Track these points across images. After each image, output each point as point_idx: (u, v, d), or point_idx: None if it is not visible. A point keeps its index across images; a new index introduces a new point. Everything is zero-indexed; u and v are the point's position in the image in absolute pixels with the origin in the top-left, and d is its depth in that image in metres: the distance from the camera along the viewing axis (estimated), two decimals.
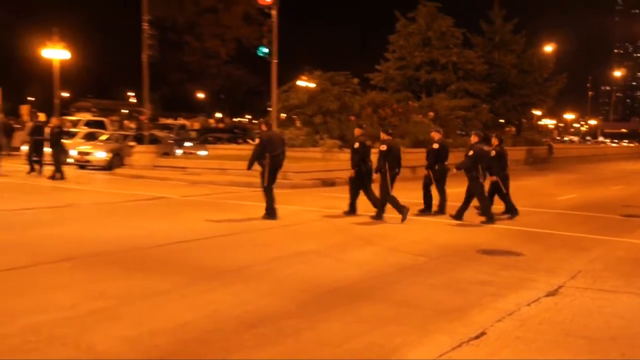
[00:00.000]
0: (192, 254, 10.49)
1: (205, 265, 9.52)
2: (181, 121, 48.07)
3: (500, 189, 16.20)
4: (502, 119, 49.73)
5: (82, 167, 28.24)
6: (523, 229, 14.34)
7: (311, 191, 18.44)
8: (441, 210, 16.39)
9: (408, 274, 9.47)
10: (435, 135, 16.96)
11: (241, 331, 6.52)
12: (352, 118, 30.21)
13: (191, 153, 32.76)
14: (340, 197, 16.34)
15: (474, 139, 15.69)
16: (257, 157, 14.91)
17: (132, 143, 30.13)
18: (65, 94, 71.50)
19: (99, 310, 7.04)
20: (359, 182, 15.64)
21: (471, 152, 15.34)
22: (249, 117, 73.92)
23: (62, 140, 23.79)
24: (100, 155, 28.81)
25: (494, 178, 16.07)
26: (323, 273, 9.35)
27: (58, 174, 22.36)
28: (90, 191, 19.30)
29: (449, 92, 42.32)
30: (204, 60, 75.06)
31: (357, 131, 16.36)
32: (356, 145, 15.71)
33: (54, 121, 25.10)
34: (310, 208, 16.92)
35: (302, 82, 36.22)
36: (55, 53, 44.26)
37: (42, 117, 37.11)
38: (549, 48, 51.83)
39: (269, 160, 14.79)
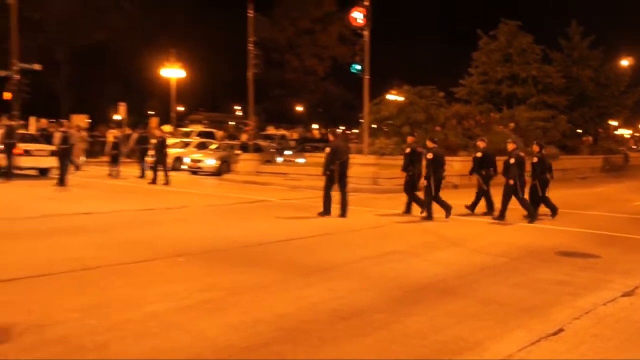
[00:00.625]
0: (291, 251, 10.59)
1: (303, 262, 9.59)
2: (282, 132, 48.53)
3: (537, 192, 16.11)
4: (579, 129, 48.36)
5: (194, 172, 28.92)
6: (599, 233, 13.89)
7: (400, 195, 18.37)
8: (473, 209, 16.67)
9: (490, 273, 9.31)
10: (481, 144, 17.12)
11: (335, 323, 6.55)
12: (438, 128, 29.93)
13: (291, 160, 33.09)
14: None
15: (510, 146, 15.92)
16: (329, 163, 15.43)
17: (238, 151, 30.66)
18: (181, 108, 73.49)
19: (209, 300, 7.19)
20: (410, 184, 16.10)
21: (512, 160, 15.49)
22: (343, 128, 74.09)
23: (166, 149, 24.22)
24: (210, 162, 29.46)
25: (534, 181, 16.10)
26: (411, 271, 9.29)
27: (164, 179, 22.80)
28: (201, 195, 19.72)
29: (528, 104, 41.48)
30: (303, 77, 75.85)
31: (409, 139, 16.93)
32: (407, 150, 16.31)
33: (158, 132, 25.73)
34: (398, 211, 16.83)
35: (391, 96, 36.09)
36: (173, 72, 45.68)
37: (166, 128, 38.25)
38: (625, 62, 50.08)
39: (338, 166, 15.34)
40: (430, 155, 15.45)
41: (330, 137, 16.74)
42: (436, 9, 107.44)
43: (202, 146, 32.70)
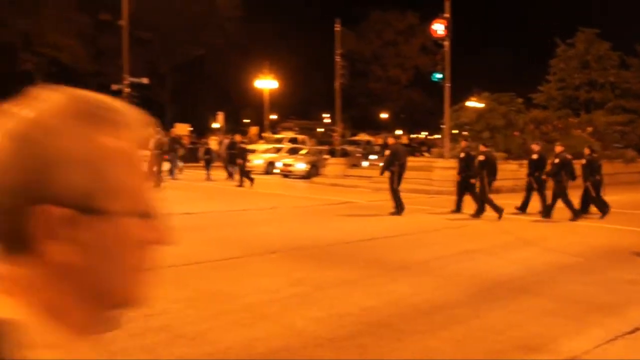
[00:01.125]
0: (375, 250, 10.58)
1: (386, 260, 9.57)
2: (367, 137, 48.54)
3: (590, 193, 15.98)
4: None
5: (285, 176, 29.23)
6: None
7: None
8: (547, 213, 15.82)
9: (566, 272, 9.04)
10: (535, 147, 16.76)
11: (417, 317, 6.51)
12: (516, 133, 29.24)
13: (375, 164, 33.00)
14: (504, 203, 15.79)
15: (558, 149, 15.87)
16: (388, 164, 15.76)
17: (326, 156, 30.83)
18: (273, 116, 74.53)
19: (297, 294, 7.28)
20: (463, 185, 15.98)
21: (557, 160, 15.44)
22: (425, 133, 73.51)
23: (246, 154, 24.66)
24: (300, 166, 29.73)
25: (587, 183, 15.98)
26: (488, 269, 9.13)
27: (246, 181, 23.23)
28: (291, 196, 19.93)
29: (606, 109, 40.08)
30: (387, 86, 75.65)
31: (463, 143, 17.06)
32: (462, 155, 16.24)
33: (238, 138, 26.10)
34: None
35: (471, 103, 35.53)
36: (266, 83, 46.37)
37: (253, 130, 38.88)
38: None
39: (397, 167, 15.59)
40: (482, 157, 15.46)
41: (390, 141, 16.86)
42: (513, 19, 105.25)
43: (293, 151, 33.05)
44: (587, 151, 16.51)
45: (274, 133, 48.72)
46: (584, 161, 16.22)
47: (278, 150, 33.75)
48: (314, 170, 29.66)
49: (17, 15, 55.88)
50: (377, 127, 70.24)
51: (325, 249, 10.45)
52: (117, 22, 34.75)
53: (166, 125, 39.96)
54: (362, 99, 75.20)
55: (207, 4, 58.82)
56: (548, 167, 15.99)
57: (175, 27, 57.45)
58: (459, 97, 35.44)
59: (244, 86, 61.16)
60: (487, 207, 15.19)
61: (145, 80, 36.44)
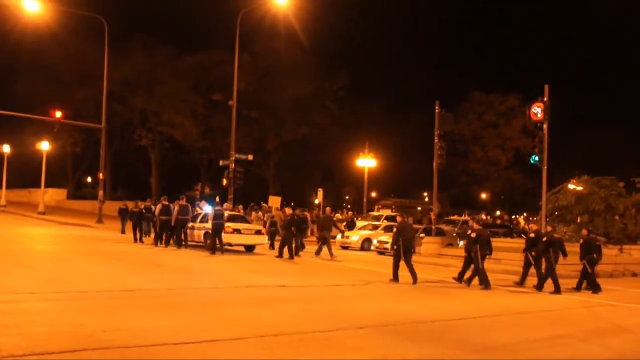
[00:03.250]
0: (462, 330, 10.44)
1: (472, 341, 9.44)
2: (465, 217, 47.92)
3: (586, 270, 17.88)
4: None
5: (380, 253, 29.22)
6: None
7: (573, 281, 17.75)
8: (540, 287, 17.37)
9: None
10: (533, 226, 18.86)
11: None
12: (617, 218, 28.23)
13: None
14: (609, 289, 15.21)
15: (548, 228, 18.58)
16: (396, 240, 17.64)
17: (422, 235, 30.66)
18: (373, 194, 74.96)
19: None
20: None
21: (545, 239, 17.37)
22: (525, 214, 71.67)
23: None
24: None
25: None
26: (579, 356, 8.83)
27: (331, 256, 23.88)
28: (385, 273, 19.83)
29: None
30: (487, 166, 74.89)
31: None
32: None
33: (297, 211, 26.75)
34: (571, 297, 16.01)
35: (571, 185, 34.72)
36: (366, 162, 47.00)
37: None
38: None
39: (402, 242, 17.40)
40: (473, 235, 17.29)
41: (399, 219, 18.53)
42: (615, 99, 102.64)
43: (389, 229, 33.04)
44: (584, 232, 18.85)
45: (372, 210, 48.95)
46: (581, 240, 18.43)
47: (375, 227, 33.89)
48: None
49: (135, 95, 59.54)
50: (477, 207, 69.17)
51: (412, 326, 10.42)
52: (228, 102, 36.38)
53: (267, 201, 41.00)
54: (462, 178, 74.73)
55: (313, 85, 60.79)
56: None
57: (282, 107, 59.53)
58: (558, 178, 34.74)
59: (345, 164, 62.27)
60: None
61: (250, 157, 37.72)
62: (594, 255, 18.03)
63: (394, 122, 67.45)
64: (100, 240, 27.76)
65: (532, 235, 18.07)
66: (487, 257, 17.43)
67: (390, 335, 9.47)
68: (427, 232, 31.13)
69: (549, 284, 17.06)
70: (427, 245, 28.36)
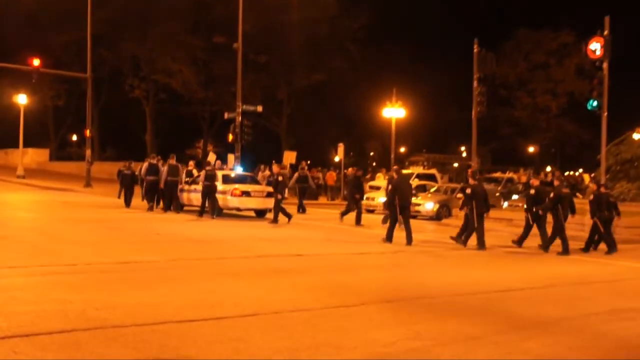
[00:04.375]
0: (509, 303, 10.42)
1: (520, 315, 9.42)
2: (509, 174, 47.63)
3: (599, 230, 18.20)
4: None
5: (412, 217, 29.11)
6: None
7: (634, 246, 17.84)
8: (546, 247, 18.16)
9: None
10: (534, 182, 19.34)
11: None
12: None
13: (517, 206, 32.32)
14: None
15: (556, 182, 18.56)
16: (391, 198, 18.61)
17: (459, 195, 30.54)
18: (402, 149, 74.73)
19: (414, 349, 7.31)
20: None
21: (551, 195, 17.87)
22: (581, 170, 71.00)
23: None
24: (428, 206, 29.67)
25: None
26: None
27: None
28: (416, 240, 19.85)
29: None
30: (534, 115, 74.15)
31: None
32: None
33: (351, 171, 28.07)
34: (630, 264, 15.94)
35: (636, 135, 34.32)
36: (393, 112, 46.69)
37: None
38: None
39: (399, 200, 18.27)
40: (468, 190, 18.53)
41: (394, 175, 19.85)
42: None
43: (421, 189, 32.98)
44: (593, 187, 19.45)
45: (402, 168, 48.82)
46: (591, 197, 18.71)
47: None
48: (445, 211, 29.48)
49: (125, 39, 58.90)
50: (522, 163, 68.74)
51: (450, 299, 10.42)
52: (232, 45, 36.08)
53: (280, 158, 41.01)
54: (505, 129, 74.10)
55: (329, 23, 59.97)
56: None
57: (294, 50, 58.96)
58: (620, 128, 34.28)
59: (368, 115, 61.89)
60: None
61: (259, 109, 37.63)
62: (605, 212, 18.37)
63: (426, 66, 66.71)
64: (88, 206, 28.04)
65: (532, 191, 18.71)
66: (486, 216, 18.54)
67: (423, 310, 9.48)
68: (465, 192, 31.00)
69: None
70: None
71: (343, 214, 25.02)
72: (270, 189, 24.90)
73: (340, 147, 44.31)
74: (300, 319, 8.48)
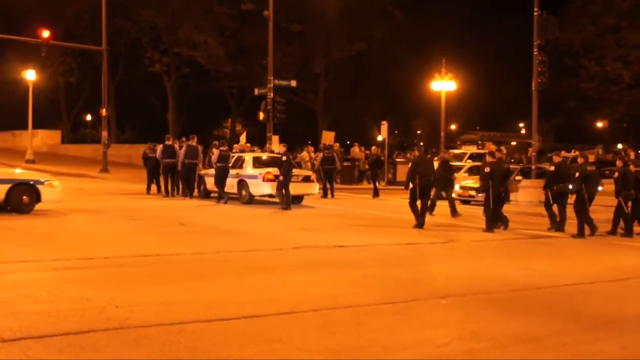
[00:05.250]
0: (577, 298, 10.31)
1: (590, 312, 9.31)
2: (574, 153, 47.10)
3: (622, 208, 18.69)
4: None
5: (465, 202, 28.95)
6: None
7: None
8: (559, 227, 19.21)
9: None
10: (556, 158, 20.01)
11: None
12: None
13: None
14: None
15: (580, 160, 19.42)
16: (410, 178, 18.98)
17: (518, 177, 30.25)
18: (452, 126, 74.27)
19: (470, 351, 7.26)
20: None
21: (577, 173, 18.52)
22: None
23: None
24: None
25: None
26: None
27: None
28: (471, 227, 19.75)
29: None
30: (604, 86, 72.97)
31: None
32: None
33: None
34: None
35: None
36: (442, 85, 46.37)
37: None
38: None
39: (418, 180, 18.70)
40: (487, 169, 18.93)
41: (416, 153, 20.91)
42: None
43: (474, 171, 32.70)
44: (619, 163, 19.91)
45: (452, 148, 48.51)
46: (616, 174, 19.10)
47: (457, 169, 33.58)
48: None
49: (144, 6, 58.98)
50: (591, 140, 67.92)
51: (511, 295, 10.35)
52: (262, 12, 35.95)
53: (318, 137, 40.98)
54: (570, 102, 73.13)
55: None
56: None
57: (331, 17, 58.75)
58: None
59: (415, 90, 61.48)
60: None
61: (293, 83, 37.62)
62: (632, 191, 18.65)
63: (479, 33, 66.13)
64: (105, 193, 28.34)
65: (552, 168, 19.72)
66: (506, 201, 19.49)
67: (481, 307, 9.42)
68: (526, 174, 30.73)
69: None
70: (526, 191, 27.91)
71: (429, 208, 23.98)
72: (308, 172, 24.93)
73: (384, 125, 44.11)
74: (343, 317, 8.46)
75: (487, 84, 67.83)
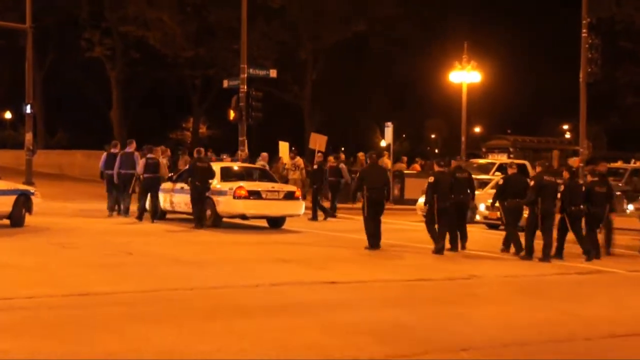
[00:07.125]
0: (634, 351, 10.34)
1: None
2: (635, 164, 46.97)
3: (565, 225, 19.97)
4: None
5: (491, 226, 28.78)
6: None
7: None
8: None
9: None
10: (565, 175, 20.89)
11: None
12: None
13: None
14: None
15: (538, 168, 21.03)
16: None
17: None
18: (477, 129, 74.46)
19: None
20: None
21: (532, 183, 20.03)
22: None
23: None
24: None
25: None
26: None
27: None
28: (498, 259, 19.77)
29: None
30: None
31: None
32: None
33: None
34: None
35: None
36: (464, 76, 46.24)
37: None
38: None
39: (367, 192, 20.12)
40: (431, 179, 20.19)
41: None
42: None
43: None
44: (566, 175, 20.95)
45: (476, 156, 48.52)
46: (562, 187, 20.27)
47: (482, 184, 33.47)
48: None
49: None
50: None
51: (552, 347, 10.36)
52: None
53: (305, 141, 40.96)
54: (628, 98, 73.26)
55: None
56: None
57: None
58: None
59: (429, 83, 61.61)
60: None
61: (272, 73, 37.56)
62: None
63: (510, 9, 66.42)
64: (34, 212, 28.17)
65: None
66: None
67: None
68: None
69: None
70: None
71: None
72: (292, 187, 25.06)
73: (389, 128, 44.16)
74: None
75: (521, 74, 68.07)
